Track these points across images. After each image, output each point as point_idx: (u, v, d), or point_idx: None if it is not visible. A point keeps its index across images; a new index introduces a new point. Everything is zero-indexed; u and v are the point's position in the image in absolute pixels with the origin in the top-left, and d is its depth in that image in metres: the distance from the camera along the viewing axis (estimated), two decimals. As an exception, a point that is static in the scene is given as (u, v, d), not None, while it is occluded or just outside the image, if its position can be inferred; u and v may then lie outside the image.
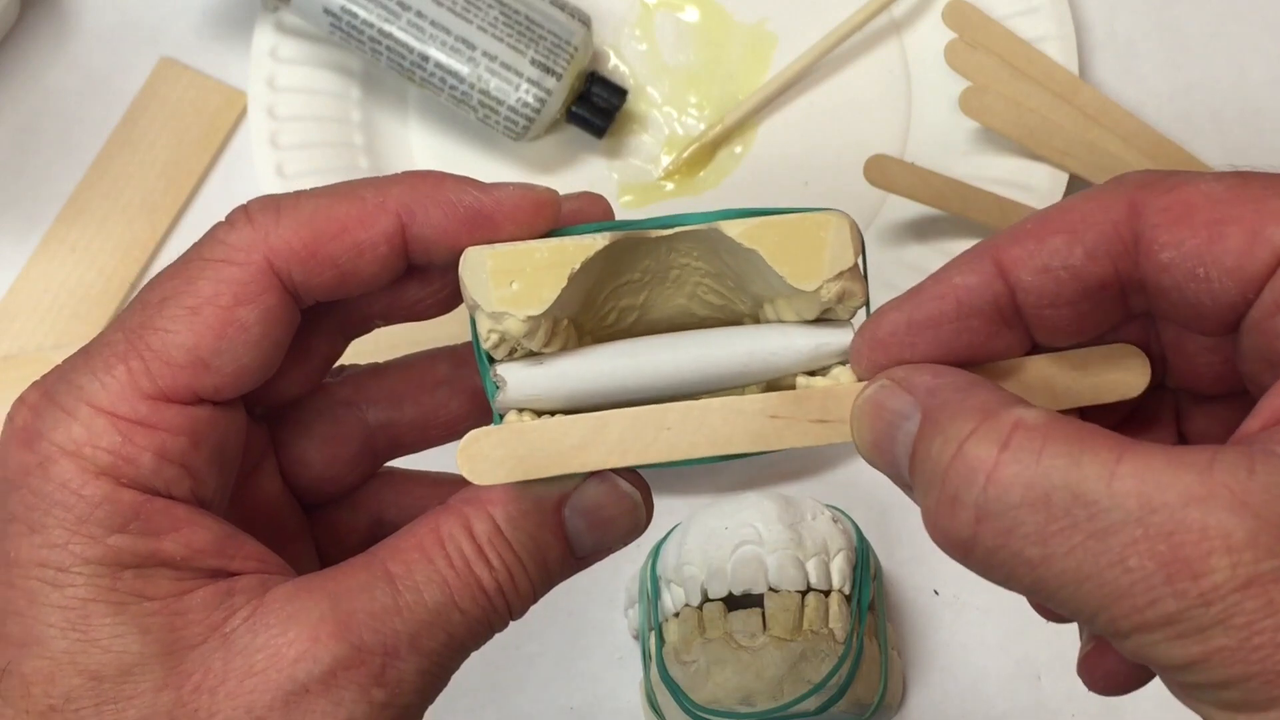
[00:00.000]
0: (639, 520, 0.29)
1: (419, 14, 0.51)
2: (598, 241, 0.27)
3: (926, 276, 0.27)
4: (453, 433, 0.32)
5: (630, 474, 0.28)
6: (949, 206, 0.51)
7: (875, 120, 0.56)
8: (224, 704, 0.25)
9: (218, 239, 0.27)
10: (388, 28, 0.51)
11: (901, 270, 0.52)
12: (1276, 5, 0.57)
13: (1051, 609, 0.25)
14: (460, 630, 0.27)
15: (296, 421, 0.31)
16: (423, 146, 0.56)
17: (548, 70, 0.51)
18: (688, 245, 0.28)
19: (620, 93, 0.54)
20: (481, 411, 0.27)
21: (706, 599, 0.44)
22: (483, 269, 0.26)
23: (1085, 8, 0.57)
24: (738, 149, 0.55)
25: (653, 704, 0.46)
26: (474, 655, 0.49)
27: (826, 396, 0.27)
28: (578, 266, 0.26)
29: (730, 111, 0.55)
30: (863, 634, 0.44)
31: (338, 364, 0.32)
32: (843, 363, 0.27)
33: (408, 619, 0.26)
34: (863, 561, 0.45)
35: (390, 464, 0.33)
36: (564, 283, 0.26)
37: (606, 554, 0.29)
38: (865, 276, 0.27)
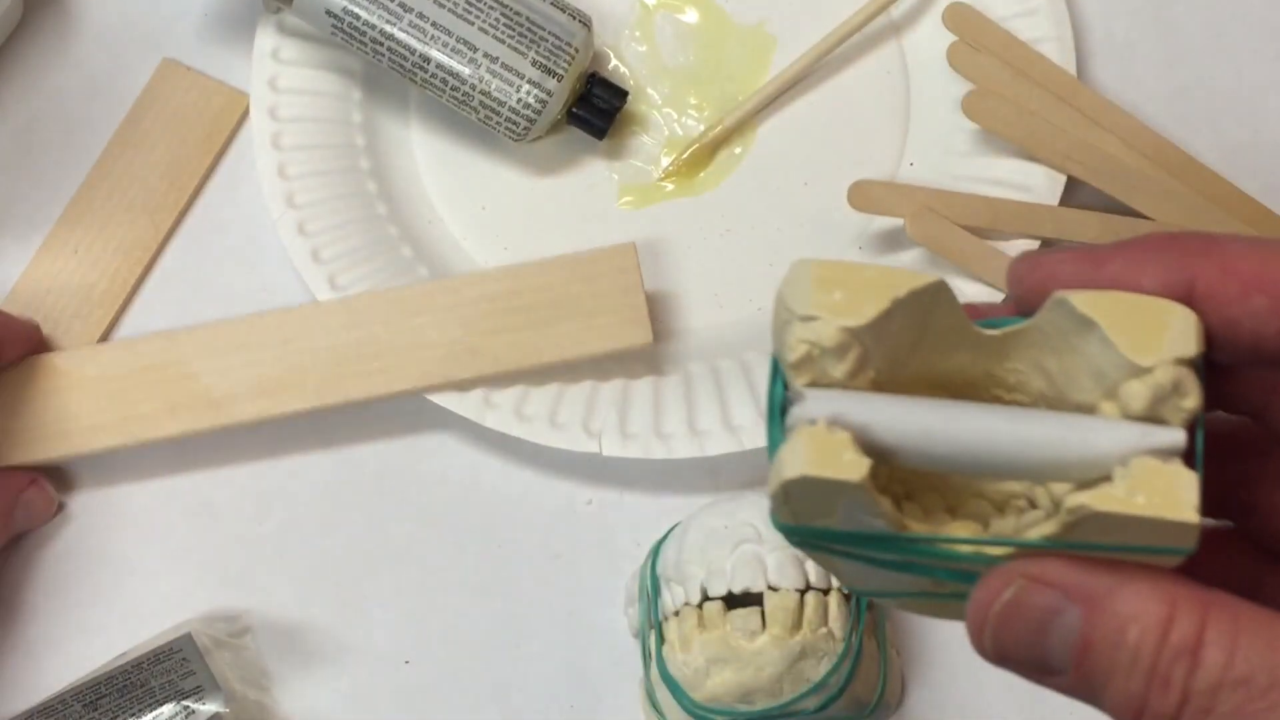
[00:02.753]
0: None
1: (420, 15, 0.51)
2: (928, 277, 0.25)
3: (1104, 245, 0.26)
4: None
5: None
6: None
7: (875, 121, 0.56)
8: None
9: None
10: (389, 29, 0.51)
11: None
12: (1274, 6, 0.57)
13: None
14: None
15: None
16: (424, 148, 0.56)
17: (548, 71, 0.51)
18: (1020, 350, 0.27)
19: (620, 94, 0.54)
20: None
21: (706, 597, 0.44)
22: (806, 276, 0.25)
23: (1083, 9, 0.57)
24: (738, 150, 0.56)
25: (653, 702, 0.46)
26: (474, 654, 0.50)
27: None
28: (904, 294, 0.25)
29: (730, 113, 0.55)
30: (862, 632, 0.44)
31: None
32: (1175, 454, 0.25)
33: None
34: (862, 560, 0.45)
35: None
36: (886, 305, 0.25)
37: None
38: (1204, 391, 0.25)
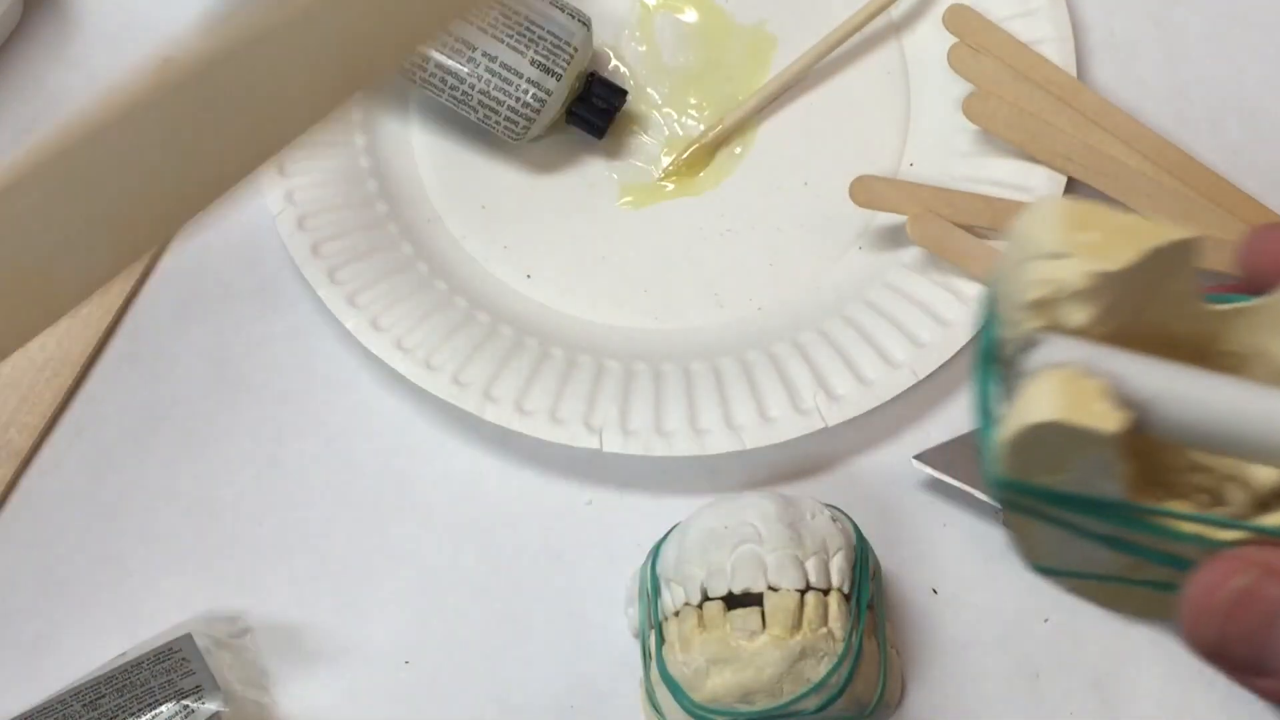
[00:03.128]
0: None
1: (420, 15, 0.51)
2: (1186, 230, 0.23)
3: None
4: None
5: None
6: (939, 214, 0.52)
7: (875, 121, 0.56)
8: None
9: None
10: (389, 29, 0.51)
11: (900, 271, 0.52)
12: (1274, 6, 0.57)
13: None
14: None
15: None
16: (424, 147, 0.56)
17: (547, 71, 0.51)
18: (1242, 332, 0.25)
19: (620, 93, 0.54)
20: None
21: (706, 597, 0.44)
22: (1056, 212, 0.23)
23: (1083, 9, 0.57)
24: (738, 150, 0.56)
25: (653, 702, 0.46)
26: (474, 654, 0.50)
27: None
28: (1164, 244, 0.23)
29: (730, 113, 0.55)
30: (862, 632, 0.44)
31: None
32: None
33: None
34: (862, 560, 0.45)
35: None
36: (1145, 252, 0.23)
37: None
38: None
